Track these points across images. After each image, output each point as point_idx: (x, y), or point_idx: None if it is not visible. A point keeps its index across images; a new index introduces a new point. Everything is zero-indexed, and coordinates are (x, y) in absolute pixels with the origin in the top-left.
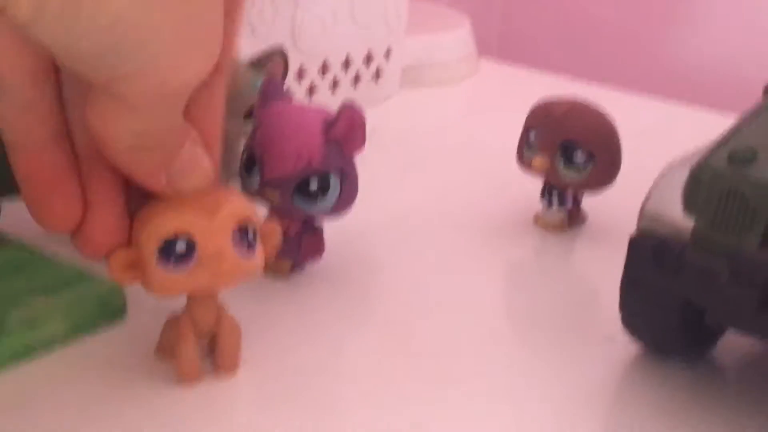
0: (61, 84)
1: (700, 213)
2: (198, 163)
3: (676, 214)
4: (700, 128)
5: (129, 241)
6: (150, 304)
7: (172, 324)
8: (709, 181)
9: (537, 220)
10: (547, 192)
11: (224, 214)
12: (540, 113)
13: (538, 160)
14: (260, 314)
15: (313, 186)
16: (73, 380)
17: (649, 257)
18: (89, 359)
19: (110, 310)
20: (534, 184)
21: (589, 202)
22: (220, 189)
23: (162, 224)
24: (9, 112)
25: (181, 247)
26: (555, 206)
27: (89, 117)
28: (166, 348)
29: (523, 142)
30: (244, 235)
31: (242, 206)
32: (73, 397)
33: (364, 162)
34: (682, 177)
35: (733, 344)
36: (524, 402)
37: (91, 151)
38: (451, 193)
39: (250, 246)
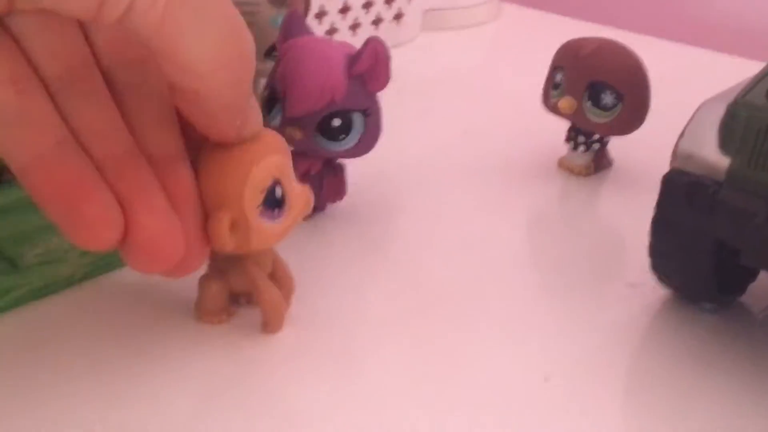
0: (57, 93)
1: (736, 151)
2: (253, 104)
3: (711, 152)
4: (731, 73)
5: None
6: None
7: (211, 281)
8: (747, 117)
9: (562, 163)
10: (572, 135)
11: (286, 155)
12: (567, 53)
13: (565, 102)
14: (280, 251)
15: (336, 124)
16: (91, 318)
17: (682, 197)
18: (108, 297)
19: None
20: (558, 127)
21: (616, 145)
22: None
23: (260, 174)
24: (6, 132)
25: (279, 192)
26: (581, 149)
27: (184, 61)
28: (213, 308)
29: (549, 84)
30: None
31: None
32: (92, 335)
33: (385, 105)
34: (718, 114)
35: (763, 291)
36: (549, 347)
37: (117, 151)
38: (473, 136)
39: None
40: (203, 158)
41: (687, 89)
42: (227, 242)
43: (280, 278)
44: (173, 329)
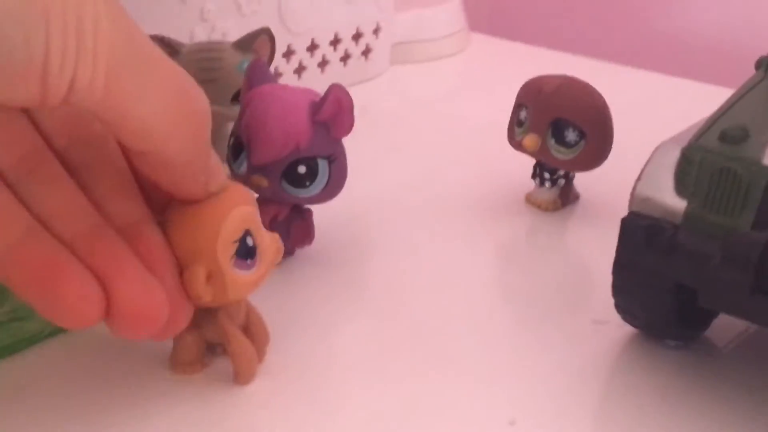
0: (15, 183)
1: (692, 193)
2: (215, 159)
3: (667, 195)
4: (695, 101)
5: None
6: None
7: (185, 333)
8: (701, 160)
9: (529, 199)
10: (538, 171)
11: (254, 206)
12: (530, 91)
13: (529, 139)
14: (251, 300)
15: (301, 171)
16: (61, 374)
17: (641, 239)
18: (77, 352)
19: None
20: (525, 162)
21: (582, 180)
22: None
23: (231, 226)
24: None
25: (251, 242)
26: (547, 185)
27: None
28: (187, 360)
29: (514, 121)
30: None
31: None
32: (62, 390)
33: (354, 140)
34: (674, 157)
35: (727, 325)
36: (517, 383)
37: (84, 228)
38: (442, 171)
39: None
40: (172, 216)
41: (655, 117)
42: (204, 295)
43: (254, 329)
44: (146, 381)
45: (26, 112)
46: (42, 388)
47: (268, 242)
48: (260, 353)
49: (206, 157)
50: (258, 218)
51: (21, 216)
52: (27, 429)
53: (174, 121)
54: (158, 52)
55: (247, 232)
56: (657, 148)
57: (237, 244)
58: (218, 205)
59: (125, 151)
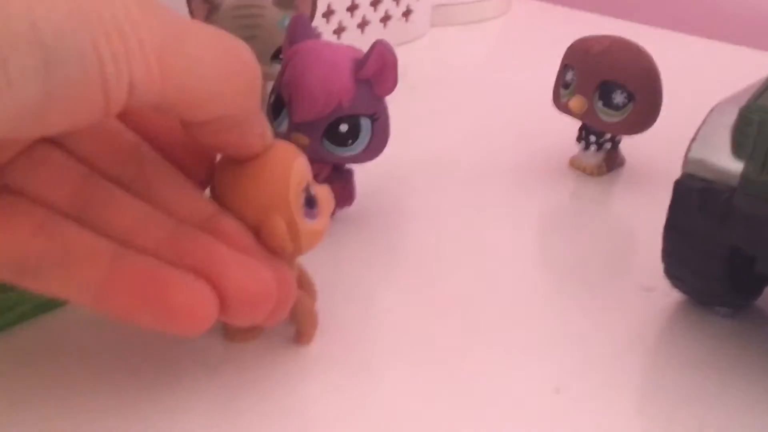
0: (80, 215)
1: (749, 155)
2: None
3: (723, 158)
4: (746, 67)
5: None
6: None
7: None
8: (760, 121)
9: (573, 163)
10: (584, 134)
11: (304, 157)
12: (578, 52)
13: (576, 101)
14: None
15: (343, 129)
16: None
17: (695, 203)
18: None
19: None
20: (569, 126)
21: (628, 144)
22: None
23: (298, 175)
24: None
25: (312, 191)
26: (592, 149)
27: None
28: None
29: (560, 83)
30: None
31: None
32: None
33: (395, 103)
34: (730, 118)
35: None
36: (560, 351)
37: (163, 234)
38: (483, 135)
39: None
40: (228, 180)
41: (702, 84)
42: (287, 243)
43: (304, 287)
44: (200, 350)
45: (57, 144)
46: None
47: (322, 191)
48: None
49: (260, 107)
50: (310, 169)
51: (102, 248)
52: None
53: (229, 80)
54: (188, 20)
55: (308, 182)
56: (713, 109)
57: (305, 194)
58: (278, 158)
59: (170, 133)
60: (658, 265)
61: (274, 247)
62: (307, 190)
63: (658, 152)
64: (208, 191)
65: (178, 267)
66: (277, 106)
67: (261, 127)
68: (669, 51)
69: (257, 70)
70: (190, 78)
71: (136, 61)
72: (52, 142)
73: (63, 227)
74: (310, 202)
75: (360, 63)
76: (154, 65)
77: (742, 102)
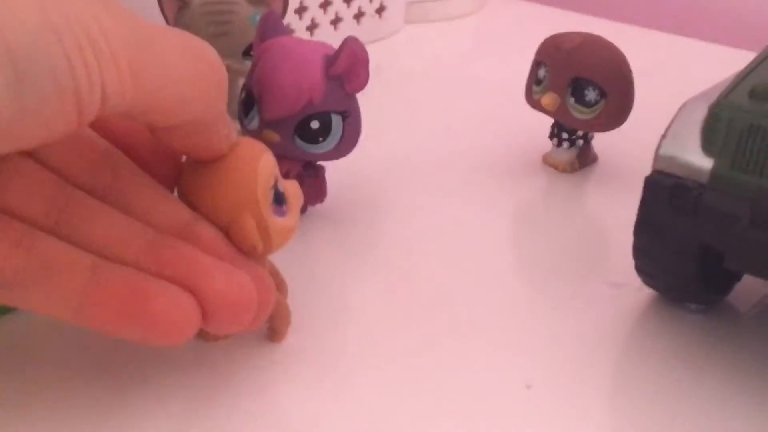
0: (56, 227)
1: (719, 152)
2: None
3: (693, 154)
4: (717, 64)
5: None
6: None
7: None
8: (730, 117)
9: (546, 160)
10: (556, 131)
11: (271, 153)
12: (550, 48)
13: (548, 98)
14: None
15: (315, 126)
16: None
17: (666, 199)
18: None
19: None
20: (543, 123)
21: (600, 141)
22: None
23: (265, 172)
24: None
25: (281, 188)
26: (565, 146)
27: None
28: None
29: (532, 79)
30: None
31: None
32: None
33: (368, 100)
34: (700, 114)
35: (749, 291)
36: (533, 347)
37: (142, 244)
38: (457, 132)
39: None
40: (195, 182)
41: (674, 81)
42: (258, 242)
43: (275, 283)
44: (169, 352)
45: (29, 156)
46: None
47: (291, 188)
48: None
49: (225, 107)
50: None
51: (80, 260)
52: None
53: (198, 84)
54: (156, 25)
55: (276, 178)
56: (683, 105)
57: (273, 191)
58: (244, 156)
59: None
60: (630, 262)
61: (245, 246)
62: (275, 187)
63: (630, 149)
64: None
65: (159, 278)
66: (248, 103)
67: (226, 128)
68: (642, 48)
69: (223, 72)
70: (161, 84)
71: (109, 71)
72: (24, 153)
73: (40, 241)
74: (279, 199)
75: (331, 60)
76: (127, 74)
77: (712, 99)
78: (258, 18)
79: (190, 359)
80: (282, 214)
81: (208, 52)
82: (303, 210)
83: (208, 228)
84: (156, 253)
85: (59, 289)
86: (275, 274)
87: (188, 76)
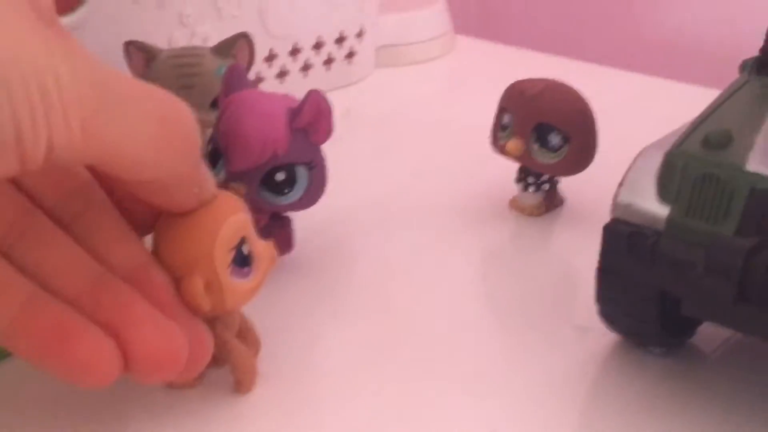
0: (9, 250)
1: (674, 200)
2: (206, 169)
3: (650, 202)
4: (680, 102)
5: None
6: None
7: None
8: (684, 166)
9: (513, 203)
10: (522, 175)
11: (246, 213)
12: (513, 95)
13: (513, 144)
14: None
15: (280, 178)
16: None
17: (624, 246)
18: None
19: None
20: (510, 166)
21: (567, 184)
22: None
23: (228, 233)
24: None
25: (246, 250)
26: (531, 190)
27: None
28: None
29: (498, 125)
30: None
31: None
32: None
33: (338, 144)
34: (656, 162)
35: (713, 333)
36: (499, 391)
37: (87, 283)
38: (426, 175)
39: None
40: (163, 230)
41: (641, 120)
42: (203, 303)
43: (247, 337)
44: (141, 398)
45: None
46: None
47: (263, 250)
48: (254, 359)
49: (198, 168)
50: (251, 226)
51: (20, 285)
52: None
53: (163, 148)
54: (132, 85)
55: (243, 240)
56: (640, 154)
57: (234, 252)
58: (212, 213)
59: (111, 179)
60: (595, 306)
61: (190, 305)
62: (238, 247)
63: (595, 192)
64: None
65: (92, 319)
66: (215, 156)
67: (198, 186)
68: (609, 88)
69: (195, 137)
70: (117, 144)
71: (57, 126)
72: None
73: None
74: (242, 261)
75: (295, 112)
76: (77, 130)
77: (668, 147)
78: (224, 70)
79: (163, 409)
80: (243, 275)
81: (181, 117)
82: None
83: (158, 274)
84: (95, 294)
85: None
86: (248, 330)
87: (150, 139)
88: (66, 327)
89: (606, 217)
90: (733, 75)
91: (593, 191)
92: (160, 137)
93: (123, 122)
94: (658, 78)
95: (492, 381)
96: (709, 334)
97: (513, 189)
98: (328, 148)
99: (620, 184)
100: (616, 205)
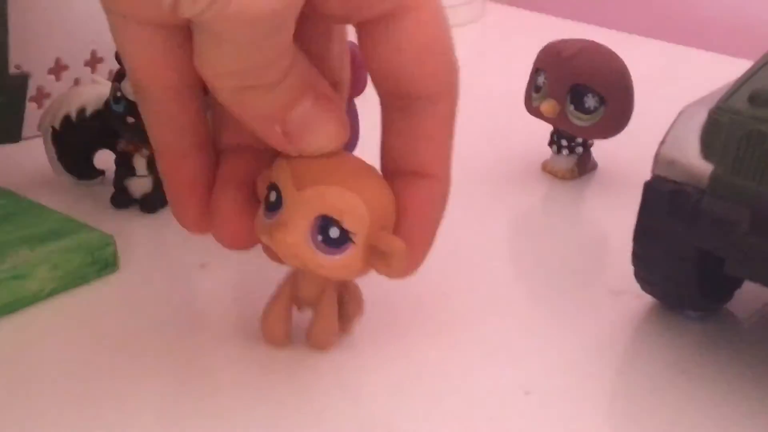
0: (202, 102)
1: (718, 157)
2: (319, 121)
3: (693, 159)
4: (715, 73)
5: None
6: (142, 256)
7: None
8: (729, 123)
9: (545, 167)
10: (555, 138)
11: (312, 193)
12: (549, 55)
13: (547, 105)
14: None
15: None
16: (63, 333)
17: (665, 205)
18: (80, 312)
19: (101, 262)
20: (542, 130)
21: (600, 148)
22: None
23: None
24: (152, 120)
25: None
26: (564, 153)
27: (196, 63)
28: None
29: (531, 86)
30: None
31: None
32: (63, 350)
33: (366, 107)
34: (700, 120)
35: (749, 297)
36: (531, 354)
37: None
38: (457, 138)
39: (333, 243)
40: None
41: (673, 89)
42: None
43: (348, 297)
44: (165, 339)
45: None
46: (42, 349)
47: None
48: (349, 323)
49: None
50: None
51: (195, 130)
52: (27, 387)
53: None
54: None
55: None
56: (683, 111)
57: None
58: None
59: None
60: (630, 269)
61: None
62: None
63: (629, 156)
64: None
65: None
66: None
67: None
68: (640, 57)
69: None
70: None
71: None
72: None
73: (193, 99)
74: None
75: None
76: None
77: (712, 104)
78: None
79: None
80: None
81: None
82: None
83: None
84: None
85: (163, 137)
86: (354, 290)
87: None
88: (197, 190)
89: (639, 182)
90: (765, 46)
91: (625, 157)
92: None
93: None
94: (692, 48)
95: (525, 343)
96: (745, 300)
97: (545, 152)
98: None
99: (662, 142)
100: (657, 163)
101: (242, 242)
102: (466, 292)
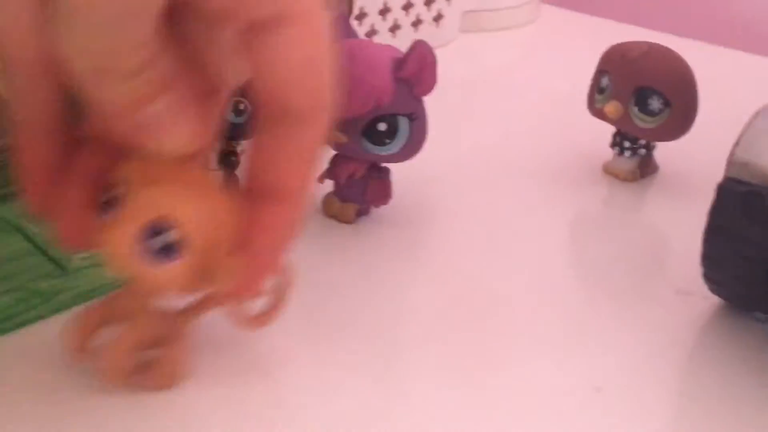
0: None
1: None
2: (173, 123)
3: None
4: None
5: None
6: None
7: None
8: None
9: (607, 168)
10: (618, 140)
11: (148, 195)
12: (614, 57)
13: (611, 107)
14: (324, 261)
15: (382, 128)
16: None
17: (738, 206)
18: None
19: None
20: (602, 132)
21: (662, 151)
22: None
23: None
24: (18, 93)
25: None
26: (626, 155)
27: (52, 38)
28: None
29: (595, 88)
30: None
31: (172, 200)
32: None
33: (428, 103)
34: None
35: None
36: (600, 352)
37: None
38: (514, 139)
39: (161, 252)
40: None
41: (736, 96)
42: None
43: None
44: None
45: None
46: None
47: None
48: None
49: None
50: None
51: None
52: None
53: None
54: None
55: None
56: (757, 112)
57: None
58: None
59: None
60: (693, 270)
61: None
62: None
63: (692, 160)
64: None
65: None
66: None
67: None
68: (704, 62)
69: None
70: None
71: None
72: None
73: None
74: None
75: (400, 62)
76: None
77: None
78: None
79: None
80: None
81: None
82: (367, 211)
83: None
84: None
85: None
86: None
87: None
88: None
89: (701, 186)
90: None
91: (689, 159)
92: None
93: None
94: (758, 56)
95: (593, 342)
96: None
97: (606, 154)
98: None
99: (736, 143)
100: (731, 164)
101: (79, 239)
102: (530, 290)
